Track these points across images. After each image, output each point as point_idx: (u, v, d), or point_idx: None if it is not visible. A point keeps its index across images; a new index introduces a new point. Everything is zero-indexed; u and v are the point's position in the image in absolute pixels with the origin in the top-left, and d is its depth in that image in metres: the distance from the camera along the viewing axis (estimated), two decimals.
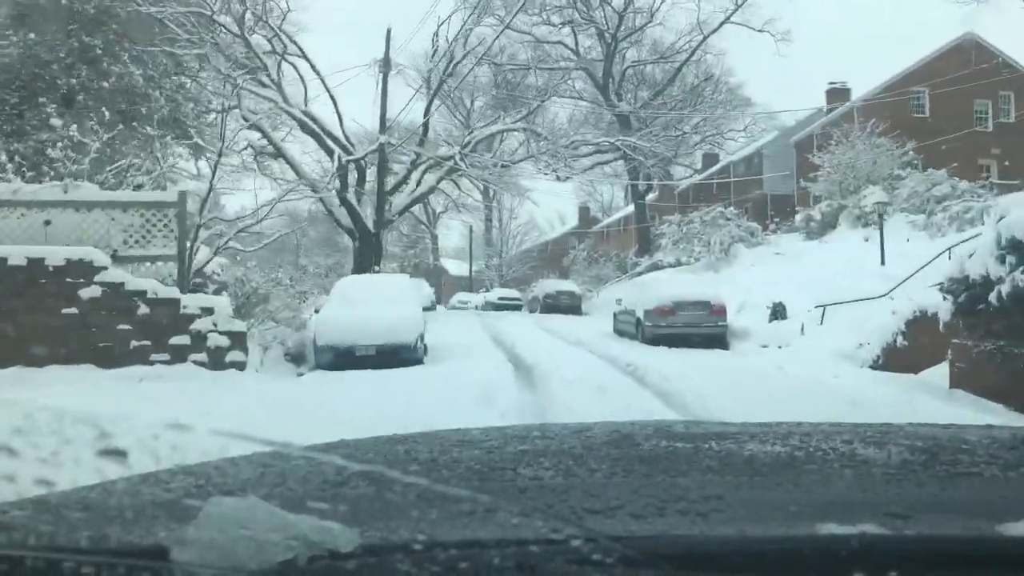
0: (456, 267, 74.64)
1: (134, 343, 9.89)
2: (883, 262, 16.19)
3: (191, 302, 10.17)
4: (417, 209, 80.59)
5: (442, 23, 27.72)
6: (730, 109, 46.70)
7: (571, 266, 44.76)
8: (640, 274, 33.91)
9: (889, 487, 0.95)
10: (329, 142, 26.82)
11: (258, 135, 28.34)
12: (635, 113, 40.26)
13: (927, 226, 19.45)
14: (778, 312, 15.20)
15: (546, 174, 34.66)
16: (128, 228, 10.52)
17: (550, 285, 32.08)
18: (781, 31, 41.44)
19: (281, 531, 0.67)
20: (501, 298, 41.40)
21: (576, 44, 42.07)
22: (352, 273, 29.04)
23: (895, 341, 11.21)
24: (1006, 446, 1.21)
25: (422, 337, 12.45)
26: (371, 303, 12.25)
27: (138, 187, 11.60)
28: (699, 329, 15.16)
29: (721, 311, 15.51)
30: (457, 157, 28.28)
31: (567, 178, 42.47)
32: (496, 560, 0.66)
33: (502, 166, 29.54)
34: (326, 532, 0.67)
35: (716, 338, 15.22)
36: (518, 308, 39.75)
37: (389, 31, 27.64)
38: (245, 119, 27.71)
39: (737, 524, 0.76)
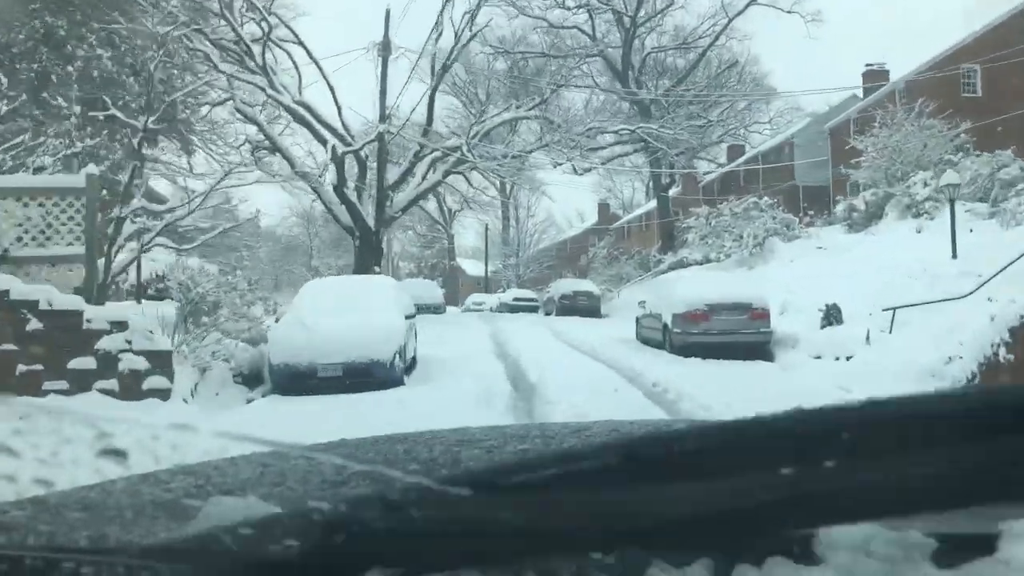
0: (473, 267, 72.68)
1: (22, 368, 7.75)
2: (955, 255, 13.74)
3: (98, 315, 8.01)
4: (432, 208, 79.24)
5: (447, 3, 25.49)
6: (757, 98, 44.17)
7: (590, 265, 42.42)
8: (663, 272, 31.53)
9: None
10: (324, 132, 24.72)
11: (255, 129, 26.48)
12: (656, 100, 37.85)
13: (995, 214, 16.95)
14: (832, 316, 12.79)
15: (560, 163, 32.44)
16: (25, 221, 8.39)
17: (567, 285, 29.62)
18: (811, 12, 39.03)
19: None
20: (516, 299, 39.16)
21: (593, 29, 39.69)
22: (354, 274, 26.99)
23: (996, 354, 8.83)
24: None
25: (402, 352, 10.24)
26: (340, 312, 10.04)
27: (39, 170, 9.48)
28: (738, 337, 12.79)
29: (764, 315, 13.12)
30: (465, 148, 26.09)
31: (584, 171, 40.26)
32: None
33: (513, 157, 27.27)
34: None
35: (758, 347, 12.86)
36: (534, 310, 37.63)
37: (388, 12, 25.50)
38: (239, 111, 25.78)
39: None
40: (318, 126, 24.68)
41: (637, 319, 15.90)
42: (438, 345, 14.09)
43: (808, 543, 0.69)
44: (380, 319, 10.09)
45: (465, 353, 13.36)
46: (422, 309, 30.93)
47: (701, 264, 29.48)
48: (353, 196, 25.90)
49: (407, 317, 10.99)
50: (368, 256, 25.39)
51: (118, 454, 0.90)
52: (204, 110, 29.61)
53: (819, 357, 11.73)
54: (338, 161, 24.06)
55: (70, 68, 18.75)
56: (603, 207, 65.25)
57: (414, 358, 11.94)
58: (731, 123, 43.83)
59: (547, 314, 29.99)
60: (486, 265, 58.56)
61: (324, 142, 23.52)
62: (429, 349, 13.31)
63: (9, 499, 0.87)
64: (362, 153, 25.46)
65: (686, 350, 12.73)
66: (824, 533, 0.69)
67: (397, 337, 10.00)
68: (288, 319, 10.18)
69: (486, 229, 59.13)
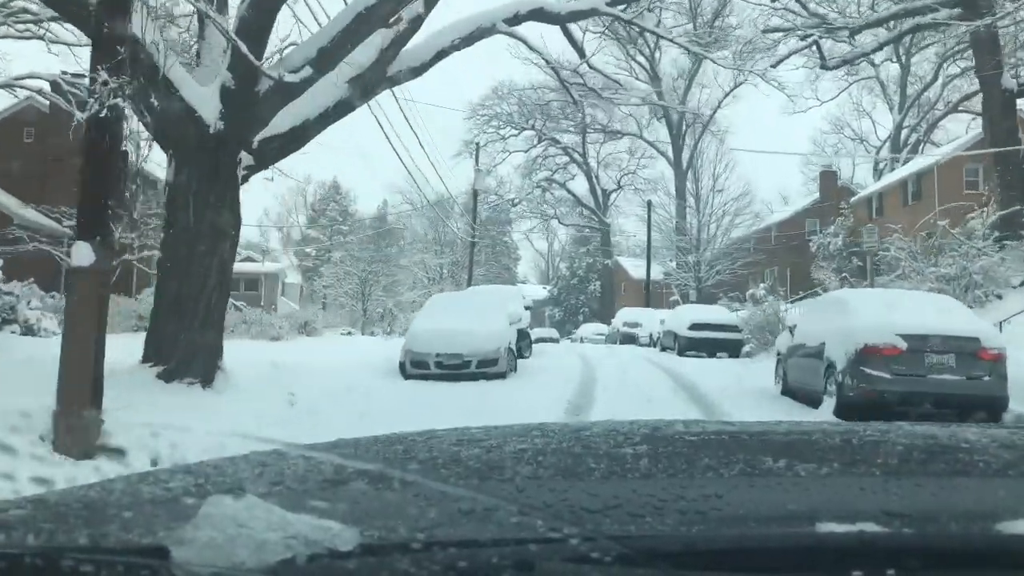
0: (639, 268, 52.10)
1: None
2: None
3: None
4: (583, 191, 60.16)
5: None
6: None
7: (819, 257, 22.58)
8: None
9: (888, 486, 0.94)
10: None
11: None
12: None
13: None
14: None
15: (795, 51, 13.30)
16: None
17: (876, 311, 8.52)
18: None
19: (280, 530, 0.67)
20: (698, 326, 19.59)
21: None
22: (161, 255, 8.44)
23: None
24: (1004, 445, 1.19)
25: None
26: None
27: None
28: None
29: None
30: None
31: (839, 64, 21.14)
32: (495, 559, 0.67)
33: None
34: (325, 531, 0.68)
35: None
36: (734, 350, 18.29)
37: None
38: None
39: (736, 523, 0.78)
40: None
41: None
42: None
43: None
44: None
45: None
46: (454, 367, 11.45)
47: None
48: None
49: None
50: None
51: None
52: None
53: None
54: None
55: None
56: (827, 177, 43.85)
57: None
58: None
59: (788, 391, 10.40)
60: (648, 264, 38.79)
61: None
62: None
63: (9, 497, 0.87)
64: None
65: None
66: None
67: None
68: None
69: (648, 207, 39.40)
